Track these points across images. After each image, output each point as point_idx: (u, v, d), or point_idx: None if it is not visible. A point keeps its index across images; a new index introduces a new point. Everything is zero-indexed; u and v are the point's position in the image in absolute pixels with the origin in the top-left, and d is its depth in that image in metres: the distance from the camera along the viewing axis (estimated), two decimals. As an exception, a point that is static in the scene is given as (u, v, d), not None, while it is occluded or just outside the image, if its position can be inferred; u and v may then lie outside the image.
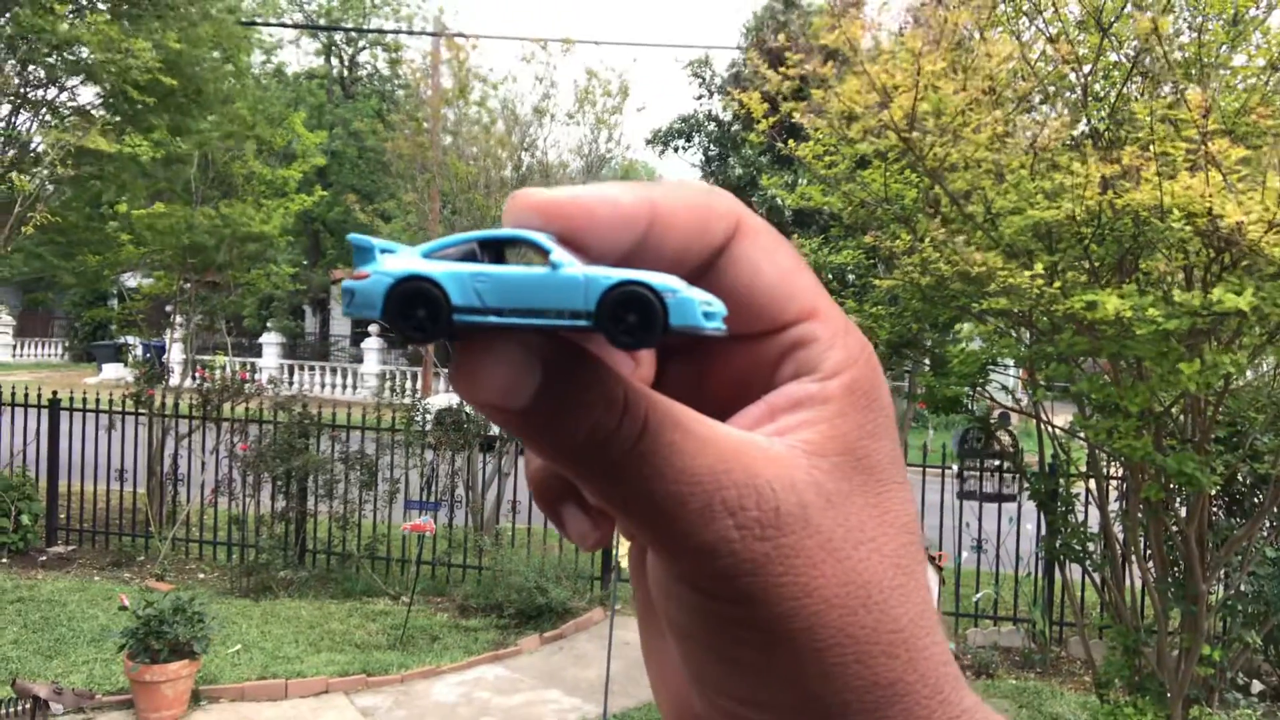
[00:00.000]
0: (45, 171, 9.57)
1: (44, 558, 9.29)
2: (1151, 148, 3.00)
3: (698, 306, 0.29)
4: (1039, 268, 3.25)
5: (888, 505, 0.33)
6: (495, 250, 0.31)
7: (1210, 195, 2.73)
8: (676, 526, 0.30)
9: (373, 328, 24.84)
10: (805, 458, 0.31)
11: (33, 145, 10.28)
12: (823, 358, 0.33)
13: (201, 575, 9.03)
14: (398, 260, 0.30)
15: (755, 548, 0.30)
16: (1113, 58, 3.96)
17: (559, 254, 0.29)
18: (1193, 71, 3.69)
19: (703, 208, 0.32)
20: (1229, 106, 3.45)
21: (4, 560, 9.10)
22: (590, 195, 0.30)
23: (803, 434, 0.32)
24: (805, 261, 0.35)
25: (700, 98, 21.86)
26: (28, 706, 5.63)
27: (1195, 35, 3.57)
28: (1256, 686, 6.71)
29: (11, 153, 10.05)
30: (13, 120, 10.31)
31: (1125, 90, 3.81)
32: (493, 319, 0.29)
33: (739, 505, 0.30)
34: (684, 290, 0.29)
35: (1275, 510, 5.27)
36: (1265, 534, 5.43)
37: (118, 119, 10.50)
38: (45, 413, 9.92)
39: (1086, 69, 3.70)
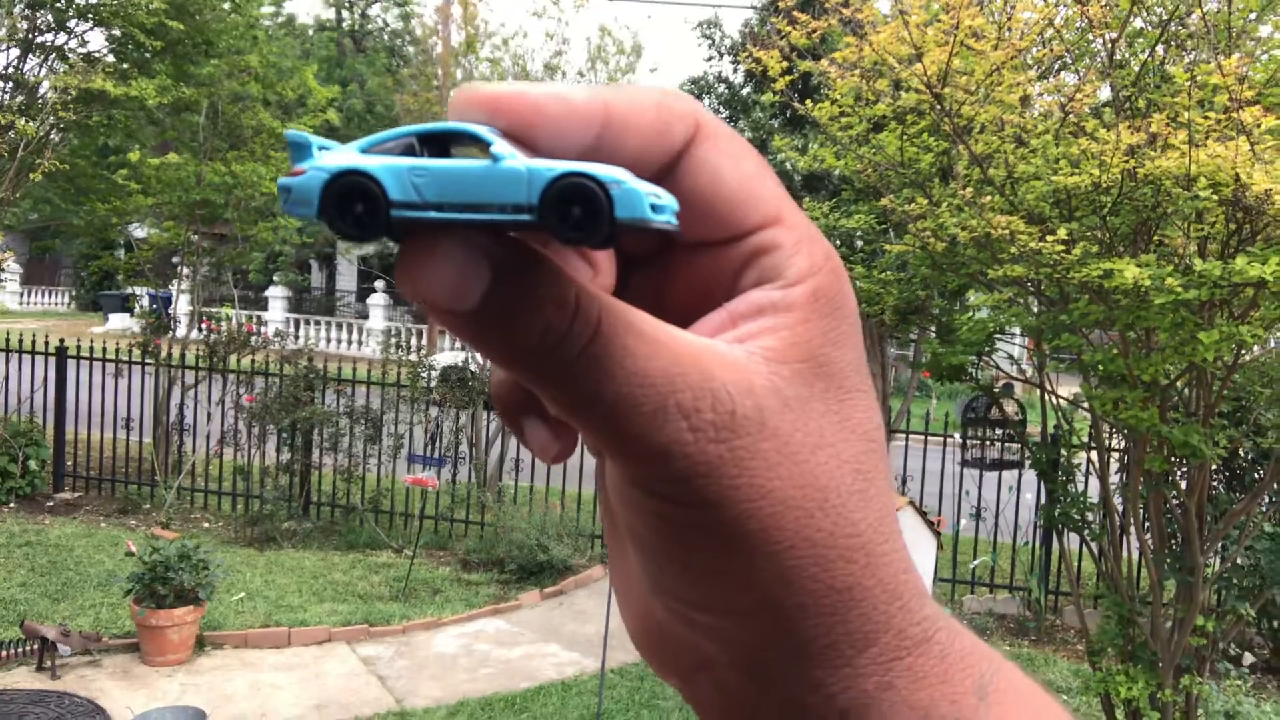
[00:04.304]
0: (50, 118, 9.51)
1: (51, 503, 9.38)
2: (1188, 113, 2.97)
3: (645, 199, 0.27)
4: (1062, 233, 3.23)
5: (849, 412, 0.32)
6: (437, 145, 0.29)
7: (1238, 163, 2.71)
8: (629, 430, 0.29)
9: (379, 283, 24.83)
10: (765, 364, 0.31)
11: (40, 91, 10.22)
12: (786, 264, 0.32)
13: (206, 524, 9.13)
14: (334, 156, 0.28)
15: (710, 450, 0.29)
16: (1138, 24, 3.91)
17: (500, 146, 0.28)
18: (1217, 42, 3.64)
19: (661, 108, 0.30)
20: (1257, 78, 3.41)
21: (12, 505, 9.19)
22: (539, 91, 0.29)
23: (763, 340, 0.31)
24: (768, 166, 0.33)
25: (710, 59, 21.59)
26: (36, 647, 5.73)
27: (1226, 2, 3.52)
28: (1248, 659, 6.79)
29: (20, 98, 9.99)
30: (20, 66, 10.24)
31: (1150, 59, 3.76)
32: (432, 214, 0.27)
33: (693, 408, 0.29)
34: (630, 182, 0.27)
35: (1275, 486, 5.29)
36: (1264, 509, 5.46)
37: (125, 65, 10.42)
38: (52, 360, 9.96)
39: (1112, 35, 3.66)
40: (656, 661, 0.36)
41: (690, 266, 0.33)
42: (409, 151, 0.29)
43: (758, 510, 0.30)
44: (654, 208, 0.28)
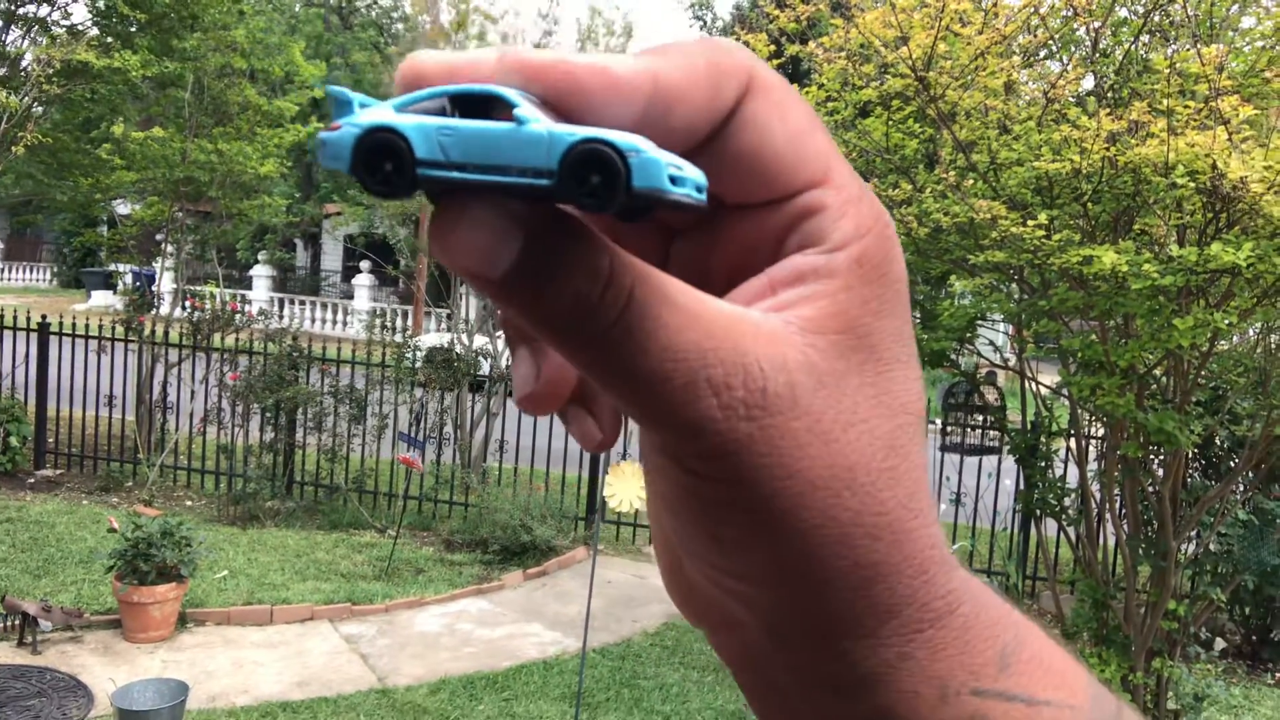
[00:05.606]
0: (33, 91, 9.40)
1: (32, 480, 9.34)
2: (1166, 102, 2.99)
3: (664, 169, 0.27)
4: (1042, 218, 3.26)
5: (887, 385, 0.31)
6: (469, 106, 0.29)
7: (1215, 151, 2.74)
8: (659, 404, 0.28)
9: (364, 264, 24.71)
10: (800, 335, 0.30)
11: (23, 63, 10.10)
12: (831, 228, 0.31)
13: (189, 502, 9.10)
14: (370, 113, 0.28)
15: (739, 428, 0.29)
16: (1122, 14, 3.94)
17: (526, 109, 0.27)
18: (1199, 32, 3.67)
19: (712, 72, 0.29)
20: (1237, 68, 3.44)
21: (-8, 480, 9.16)
22: (579, 62, 0.28)
23: (802, 309, 0.30)
24: (821, 121, 0.32)
25: (702, 42, 21.57)
26: (17, 622, 5.72)
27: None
28: (1220, 644, 6.90)
29: (2, 70, 9.87)
30: (2, 38, 10.11)
31: (1133, 48, 3.79)
32: (455, 174, 0.27)
33: (724, 384, 0.28)
34: (649, 150, 0.27)
35: (1248, 473, 5.37)
36: (1238, 496, 5.54)
37: (109, 39, 10.30)
38: (34, 336, 9.89)
39: (1096, 24, 3.68)
40: (686, 611, 0.37)
41: (736, 229, 0.32)
42: (441, 112, 0.29)
43: (785, 489, 0.29)
44: (673, 180, 0.27)
